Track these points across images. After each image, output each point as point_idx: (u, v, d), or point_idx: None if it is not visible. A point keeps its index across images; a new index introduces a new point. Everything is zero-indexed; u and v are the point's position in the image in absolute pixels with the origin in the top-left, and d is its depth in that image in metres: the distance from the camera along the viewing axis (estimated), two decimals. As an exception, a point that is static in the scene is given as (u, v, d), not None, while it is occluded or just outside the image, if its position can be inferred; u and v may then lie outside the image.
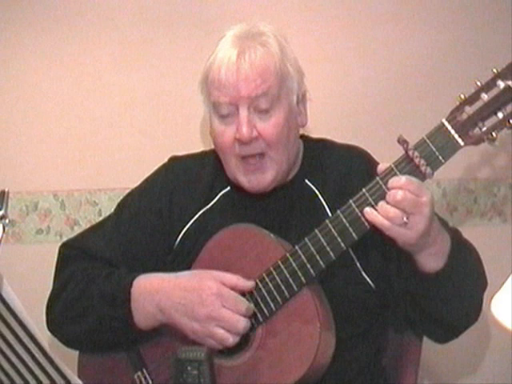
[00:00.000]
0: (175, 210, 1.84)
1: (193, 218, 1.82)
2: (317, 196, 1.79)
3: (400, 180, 1.52)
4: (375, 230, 1.56)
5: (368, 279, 1.75)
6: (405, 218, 1.51)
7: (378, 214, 1.53)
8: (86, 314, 1.76)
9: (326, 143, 1.89)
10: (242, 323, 1.63)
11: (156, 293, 1.69)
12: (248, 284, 1.66)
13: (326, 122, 2.30)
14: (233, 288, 1.65)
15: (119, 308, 1.71)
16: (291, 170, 1.82)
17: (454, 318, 1.70)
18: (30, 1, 2.26)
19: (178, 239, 1.82)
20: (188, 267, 1.75)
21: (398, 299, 1.74)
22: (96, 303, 1.74)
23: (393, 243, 1.57)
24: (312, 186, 1.80)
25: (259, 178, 1.75)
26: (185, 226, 1.82)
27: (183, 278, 1.70)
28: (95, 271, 1.79)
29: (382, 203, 1.53)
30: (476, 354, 2.58)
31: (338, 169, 1.82)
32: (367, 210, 1.54)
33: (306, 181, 1.81)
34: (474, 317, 1.74)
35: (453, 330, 1.75)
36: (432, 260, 1.61)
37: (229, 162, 1.77)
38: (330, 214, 1.67)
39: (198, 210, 1.83)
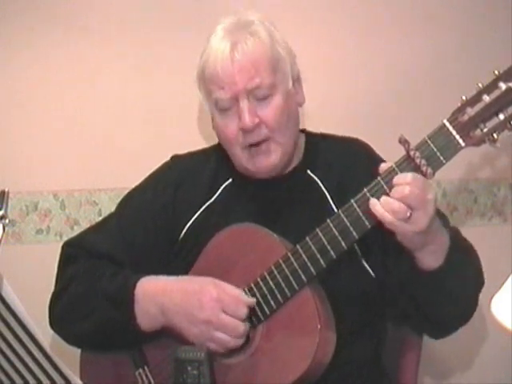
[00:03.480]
0: (179, 206, 1.85)
1: (197, 212, 1.83)
2: (319, 186, 1.80)
3: (406, 177, 1.53)
4: (377, 224, 1.57)
5: (368, 268, 1.76)
6: (408, 213, 1.51)
7: (382, 208, 1.53)
8: (90, 314, 1.76)
9: (327, 136, 1.91)
10: (242, 328, 1.64)
11: (159, 294, 1.70)
12: (250, 300, 1.66)
13: (327, 123, 2.29)
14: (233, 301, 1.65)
15: (123, 310, 1.72)
16: (292, 161, 1.83)
17: (449, 316, 1.71)
18: (30, 1, 2.26)
19: (182, 234, 1.83)
20: (192, 262, 1.76)
21: (395, 292, 1.73)
22: (99, 304, 1.74)
23: (393, 236, 1.58)
24: (314, 177, 1.81)
25: (264, 161, 1.76)
26: (189, 221, 1.83)
27: (186, 281, 1.71)
28: (99, 271, 1.80)
29: (385, 197, 1.53)
30: (476, 353, 2.58)
31: (340, 160, 1.83)
32: (373, 200, 1.54)
33: (309, 171, 1.82)
34: (468, 315, 1.75)
35: (447, 327, 1.76)
36: (430, 258, 1.61)
37: (235, 153, 1.78)
38: (332, 204, 1.68)
39: (202, 205, 1.84)
